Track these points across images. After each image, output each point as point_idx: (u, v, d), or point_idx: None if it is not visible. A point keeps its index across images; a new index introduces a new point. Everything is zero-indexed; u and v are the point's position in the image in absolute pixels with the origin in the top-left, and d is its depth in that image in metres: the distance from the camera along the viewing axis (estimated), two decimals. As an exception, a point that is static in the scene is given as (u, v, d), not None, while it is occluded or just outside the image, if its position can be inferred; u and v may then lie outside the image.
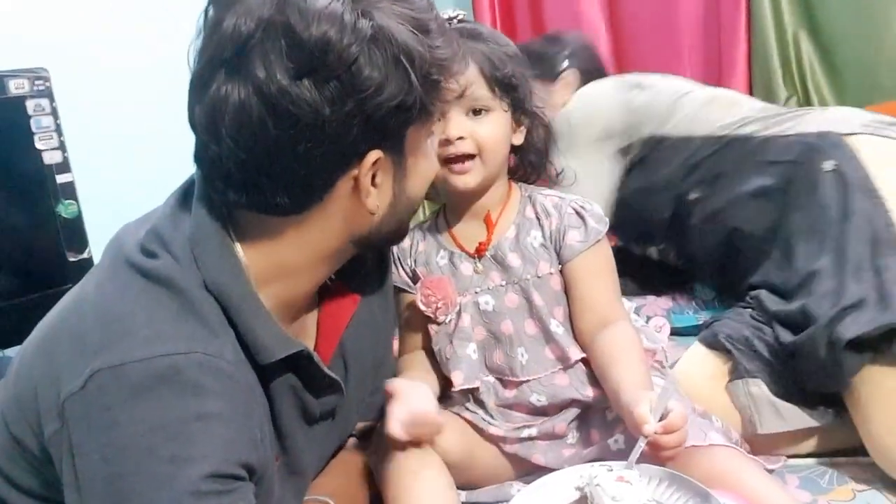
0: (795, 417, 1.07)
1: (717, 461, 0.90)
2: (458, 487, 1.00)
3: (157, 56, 1.75)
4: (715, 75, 1.96)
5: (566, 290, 1.04)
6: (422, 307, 1.04)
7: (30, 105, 1.75)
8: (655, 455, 0.84)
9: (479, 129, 0.99)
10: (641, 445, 0.84)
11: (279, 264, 0.78)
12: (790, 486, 1.03)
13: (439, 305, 1.03)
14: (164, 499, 0.65)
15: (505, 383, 1.05)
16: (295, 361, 0.79)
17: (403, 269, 1.08)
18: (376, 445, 1.01)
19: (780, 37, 1.89)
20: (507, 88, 1.00)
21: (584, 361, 1.04)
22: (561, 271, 1.03)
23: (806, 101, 1.89)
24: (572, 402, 1.04)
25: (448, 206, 1.09)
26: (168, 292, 0.72)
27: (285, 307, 0.82)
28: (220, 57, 0.71)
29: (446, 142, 0.98)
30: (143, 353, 0.68)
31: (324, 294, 0.89)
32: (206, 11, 0.73)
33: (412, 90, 0.73)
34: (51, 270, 1.78)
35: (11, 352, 1.76)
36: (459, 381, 1.03)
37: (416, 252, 1.08)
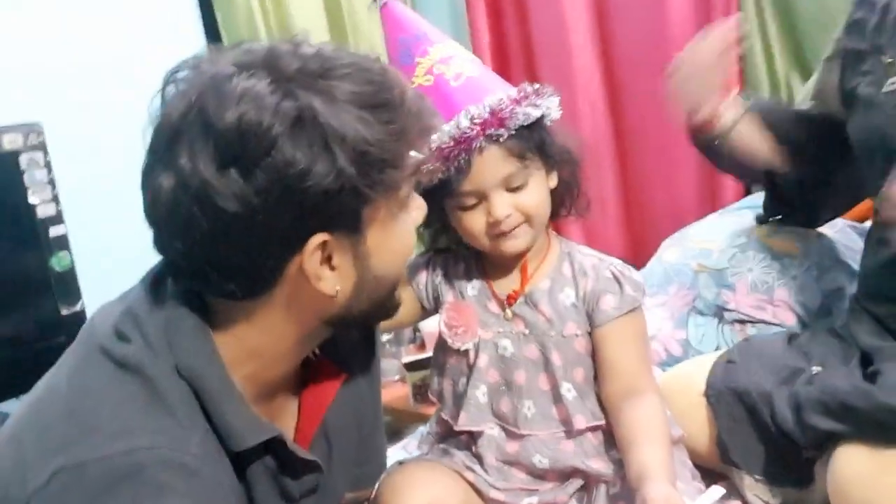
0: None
1: None
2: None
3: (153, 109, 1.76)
4: (709, 118, 1.96)
5: (594, 353, 1.02)
6: (442, 328, 1.04)
7: (23, 159, 1.75)
8: None
9: (522, 200, 0.98)
10: None
11: (250, 347, 0.77)
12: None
13: (459, 332, 1.03)
14: None
15: (508, 434, 1.03)
16: (270, 445, 0.77)
17: (430, 280, 1.08)
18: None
19: (772, 80, 1.89)
20: (535, 149, 0.99)
21: (594, 430, 1.02)
22: (590, 334, 1.02)
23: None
24: (575, 472, 1.02)
25: (484, 255, 1.07)
26: (138, 380, 0.71)
27: (262, 388, 0.80)
28: (155, 145, 0.71)
29: (495, 223, 0.98)
30: (105, 451, 0.66)
31: (308, 371, 0.88)
32: (160, 92, 0.72)
33: (343, 173, 0.68)
34: (44, 324, 1.77)
35: (6, 406, 1.75)
36: (464, 421, 1.02)
37: (452, 274, 1.08)
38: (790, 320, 1.42)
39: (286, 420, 0.85)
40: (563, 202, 1.05)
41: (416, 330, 2.19)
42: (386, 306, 0.82)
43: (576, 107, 2.02)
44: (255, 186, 0.67)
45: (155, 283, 0.78)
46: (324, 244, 0.72)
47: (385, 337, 2.19)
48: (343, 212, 0.71)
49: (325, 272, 0.73)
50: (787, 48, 1.88)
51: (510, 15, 2.21)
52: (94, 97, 1.89)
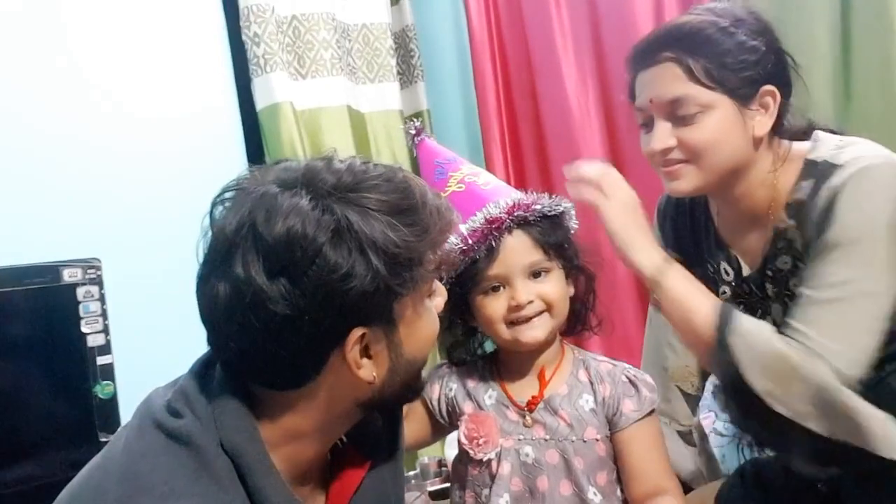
0: None
1: None
2: None
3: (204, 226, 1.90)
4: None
5: (616, 456, 1.06)
6: (463, 440, 1.07)
7: (80, 292, 1.88)
8: None
9: (543, 289, 1.06)
10: None
11: (289, 429, 0.84)
12: None
13: (480, 442, 1.06)
14: None
15: None
16: None
17: (444, 395, 1.12)
18: None
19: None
20: (557, 249, 1.09)
21: None
22: (610, 438, 1.06)
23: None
24: None
25: (500, 361, 1.13)
26: (187, 451, 0.78)
27: (296, 468, 0.86)
28: (210, 256, 0.81)
29: (516, 307, 1.05)
30: None
31: (335, 458, 0.93)
32: (209, 212, 0.83)
33: (378, 274, 0.78)
34: (82, 450, 1.83)
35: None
36: None
37: (468, 385, 1.12)
38: (810, 441, 1.44)
39: (315, 503, 0.90)
40: (579, 315, 1.12)
41: (441, 465, 2.19)
42: (414, 388, 0.90)
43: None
44: (302, 290, 0.76)
45: (203, 370, 0.87)
46: (362, 336, 0.81)
47: (411, 472, 2.20)
48: (378, 307, 0.80)
49: (364, 361, 0.82)
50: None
51: (530, 156, 2.32)
52: (147, 233, 2.05)
